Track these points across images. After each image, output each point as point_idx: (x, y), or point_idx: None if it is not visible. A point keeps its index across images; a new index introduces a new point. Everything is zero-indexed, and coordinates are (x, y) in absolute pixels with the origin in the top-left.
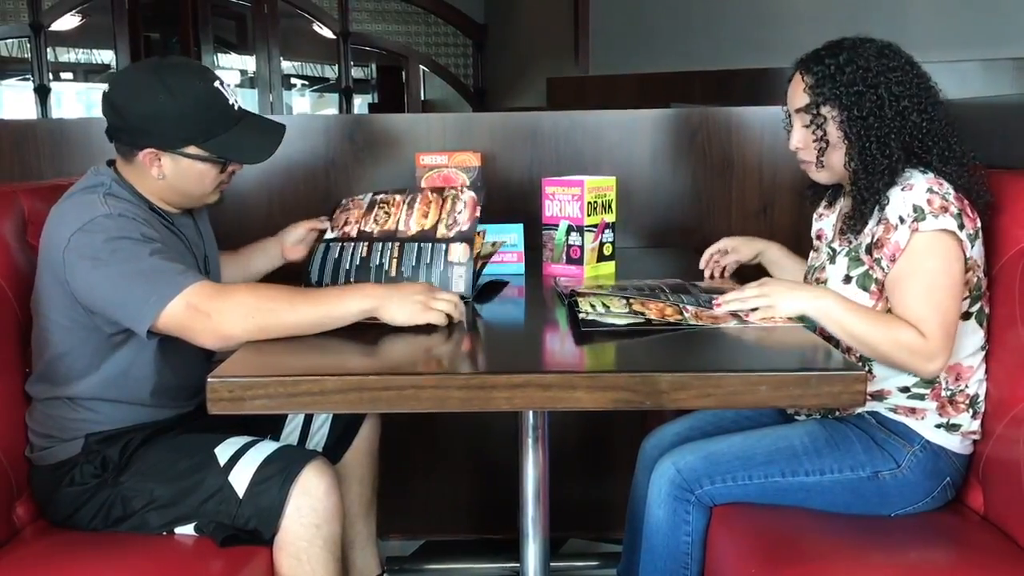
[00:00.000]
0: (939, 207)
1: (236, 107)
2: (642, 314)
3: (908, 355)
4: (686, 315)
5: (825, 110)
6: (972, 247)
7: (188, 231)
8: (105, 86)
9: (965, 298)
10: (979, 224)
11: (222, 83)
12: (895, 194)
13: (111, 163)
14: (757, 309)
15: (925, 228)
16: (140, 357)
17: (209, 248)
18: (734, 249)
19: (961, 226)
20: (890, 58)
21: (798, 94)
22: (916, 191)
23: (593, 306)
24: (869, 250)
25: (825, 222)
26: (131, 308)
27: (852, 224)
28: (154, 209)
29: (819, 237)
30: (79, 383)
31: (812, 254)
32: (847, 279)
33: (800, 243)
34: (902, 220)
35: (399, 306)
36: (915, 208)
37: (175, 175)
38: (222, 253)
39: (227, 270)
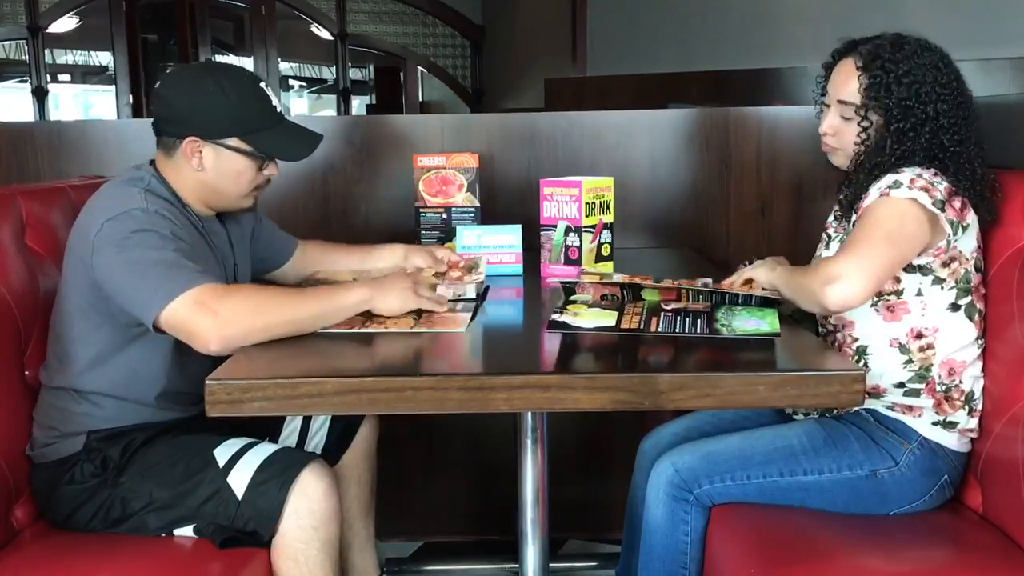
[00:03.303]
0: (920, 187)
1: (279, 110)
2: (615, 325)
3: (816, 279)
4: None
5: (872, 115)
6: (958, 237)
7: (218, 239)
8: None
9: (951, 288)
10: (969, 220)
11: (267, 86)
12: (886, 176)
13: (151, 163)
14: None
15: (895, 195)
16: (152, 356)
17: (240, 259)
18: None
19: (941, 209)
20: (943, 73)
21: (849, 88)
22: (904, 173)
23: (577, 314)
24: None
25: (832, 216)
26: (141, 296)
27: (843, 211)
28: (188, 210)
29: (824, 230)
30: (88, 373)
31: (818, 245)
32: None
33: (798, 243)
34: (879, 190)
35: (391, 295)
36: (894, 182)
37: (214, 168)
38: (349, 249)
39: (348, 264)
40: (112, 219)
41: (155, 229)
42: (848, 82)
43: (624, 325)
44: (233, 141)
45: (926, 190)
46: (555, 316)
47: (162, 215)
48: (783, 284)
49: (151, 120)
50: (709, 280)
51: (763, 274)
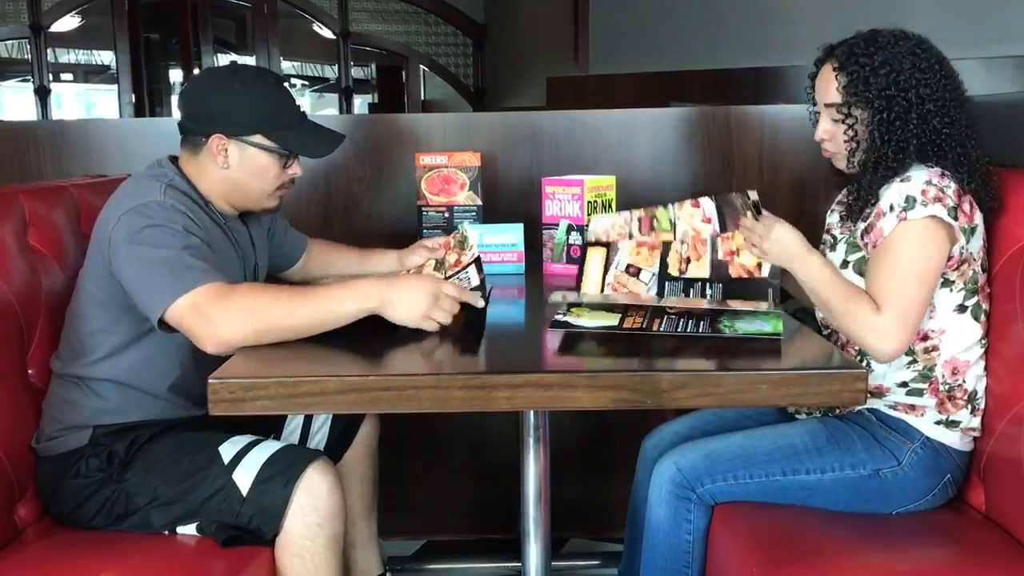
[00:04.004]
0: (933, 198)
1: (301, 110)
2: (617, 325)
3: (860, 328)
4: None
5: (856, 111)
6: (968, 240)
7: (240, 238)
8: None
9: (960, 290)
10: (976, 221)
11: (291, 87)
12: (893, 184)
13: (173, 160)
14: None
15: (912, 217)
16: (168, 348)
17: (260, 258)
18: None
19: (955, 218)
20: (922, 58)
21: (830, 90)
22: (913, 183)
23: (579, 315)
24: (863, 235)
25: (835, 216)
26: (147, 295)
27: (848, 215)
28: (211, 207)
29: (827, 230)
30: (102, 363)
31: (820, 247)
32: (844, 264)
33: None
34: (892, 208)
35: (401, 305)
36: (907, 199)
37: (239, 165)
38: (349, 249)
39: (347, 266)
40: (129, 211)
41: (167, 224)
42: (829, 85)
43: (627, 325)
44: (258, 138)
45: (939, 199)
46: (558, 317)
47: (178, 209)
48: (819, 291)
49: (177, 122)
50: (711, 202)
51: (780, 252)
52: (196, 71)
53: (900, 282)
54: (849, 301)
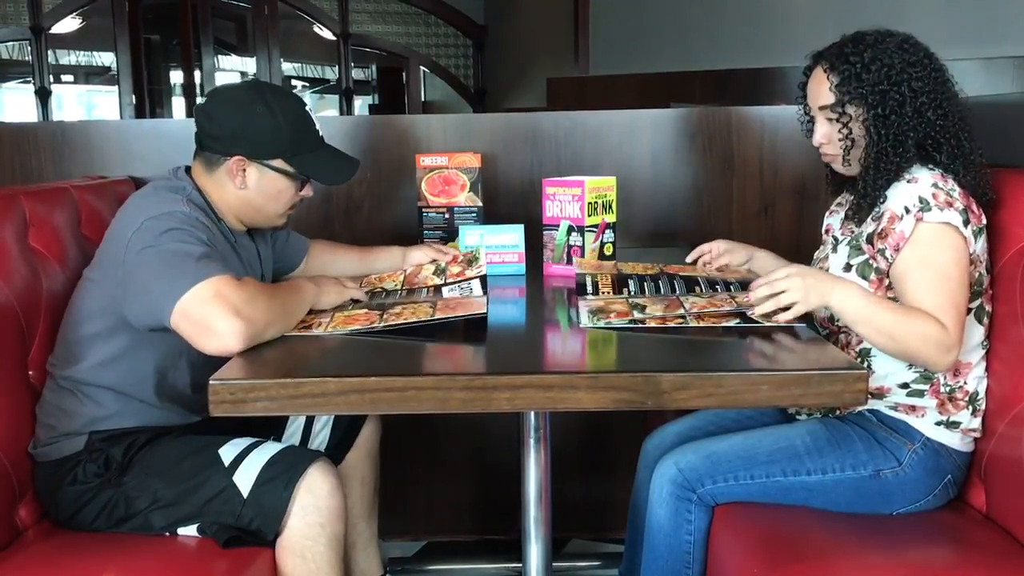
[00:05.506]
0: (944, 201)
1: (320, 134)
2: (641, 321)
3: (932, 348)
4: (685, 307)
5: (850, 109)
6: (976, 242)
7: (247, 253)
8: (201, 100)
9: None
10: (984, 221)
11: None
12: (900, 186)
13: (186, 170)
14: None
15: (930, 219)
16: (164, 357)
17: (267, 271)
18: (727, 251)
19: (966, 222)
20: (910, 52)
21: (823, 91)
22: (921, 184)
23: (593, 313)
24: (870, 239)
25: (834, 218)
26: (166, 282)
27: (853, 214)
28: (222, 224)
29: (827, 231)
30: (97, 369)
31: (820, 248)
32: (847, 267)
33: (800, 244)
34: (907, 210)
35: (326, 294)
36: (921, 199)
37: (257, 187)
38: (350, 249)
39: (348, 266)
40: (152, 218)
41: (191, 229)
42: (821, 86)
43: (654, 324)
44: (278, 162)
45: (949, 204)
46: (580, 324)
47: (202, 221)
48: (872, 315)
49: (194, 133)
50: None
51: (812, 285)
52: (197, 73)
53: (946, 291)
54: (914, 323)
